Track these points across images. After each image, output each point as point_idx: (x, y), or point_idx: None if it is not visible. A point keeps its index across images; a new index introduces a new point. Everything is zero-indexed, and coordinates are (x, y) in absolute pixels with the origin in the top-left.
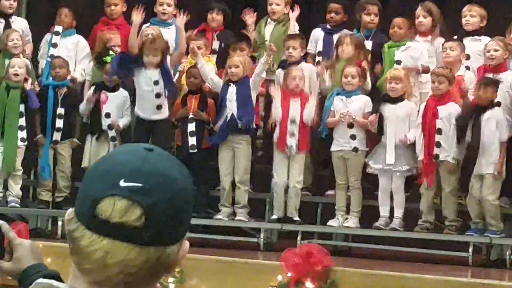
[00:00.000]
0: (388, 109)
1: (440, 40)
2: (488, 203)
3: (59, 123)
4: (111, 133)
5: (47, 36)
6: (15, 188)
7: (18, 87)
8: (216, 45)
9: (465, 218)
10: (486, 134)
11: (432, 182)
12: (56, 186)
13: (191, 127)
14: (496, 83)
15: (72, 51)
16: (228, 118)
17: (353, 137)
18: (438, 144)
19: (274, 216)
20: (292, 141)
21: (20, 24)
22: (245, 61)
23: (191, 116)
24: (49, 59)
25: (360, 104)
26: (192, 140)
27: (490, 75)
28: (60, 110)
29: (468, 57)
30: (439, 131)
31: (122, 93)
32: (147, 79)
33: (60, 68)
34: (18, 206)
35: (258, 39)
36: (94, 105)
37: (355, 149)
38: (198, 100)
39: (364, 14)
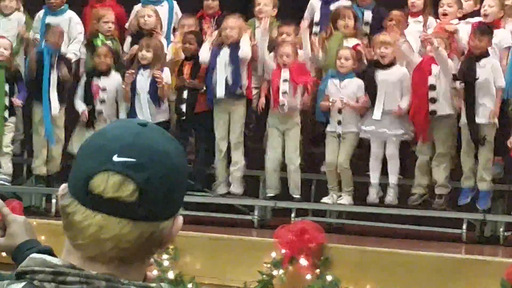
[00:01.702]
0: (380, 75)
1: (431, 19)
2: (484, 154)
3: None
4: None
5: (40, 14)
6: (5, 166)
7: (2, 67)
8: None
9: (454, 187)
10: (481, 82)
11: (427, 138)
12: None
13: (185, 94)
14: (490, 31)
15: (65, 28)
16: (222, 82)
17: (339, 122)
18: (433, 100)
19: (270, 194)
20: (284, 99)
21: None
22: (240, 25)
23: (186, 84)
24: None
25: (353, 88)
26: (183, 107)
27: None
28: (54, 76)
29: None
30: (433, 87)
31: (115, 76)
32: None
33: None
34: (8, 184)
35: None
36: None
37: (339, 135)
38: (191, 66)
39: None
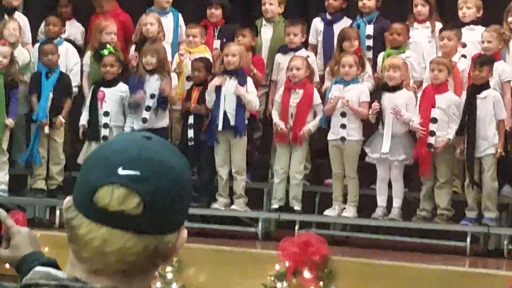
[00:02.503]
0: (386, 98)
1: (439, 24)
2: (488, 185)
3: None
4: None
5: (37, 46)
6: (1, 174)
7: (1, 73)
8: (216, 44)
9: (458, 209)
10: (483, 114)
11: (428, 172)
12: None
13: (191, 119)
14: (491, 62)
15: (62, 57)
16: (221, 116)
17: (343, 126)
18: (432, 133)
19: (275, 206)
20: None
21: (21, 21)
22: (242, 51)
23: (192, 109)
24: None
25: (356, 92)
26: (190, 133)
27: None
28: (52, 95)
29: (464, 45)
30: (434, 120)
31: (121, 87)
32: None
33: (52, 55)
34: (5, 195)
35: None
36: (92, 103)
37: (342, 139)
38: (200, 92)
39: None
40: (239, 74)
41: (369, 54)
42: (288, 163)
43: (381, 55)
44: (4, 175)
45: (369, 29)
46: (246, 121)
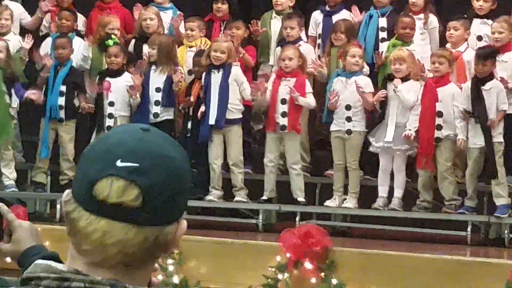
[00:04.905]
0: (391, 88)
1: (432, 17)
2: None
3: (61, 100)
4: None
5: (49, 40)
6: (8, 171)
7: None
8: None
9: (463, 196)
10: (488, 104)
11: (430, 166)
12: (58, 169)
13: (191, 111)
14: (493, 54)
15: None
16: (214, 109)
17: (348, 119)
18: (439, 127)
19: (264, 197)
20: (282, 121)
21: (14, 9)
22: (231, 48)
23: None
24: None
25: (360, 84)
26: (189, 124)
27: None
28: (62, 88)
29: (480, 38)
30: (440, 114)
31: (127, 77)
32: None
33: (63, 49)
34: (15, 190)
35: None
36: (97, 95)
37: (349, 131)
38: (200, 84)
39: None
40: (225, 69)
41: (383, 47)
42: (278, 154)
43: (385, 44)
44: (11, 172)
45: (382, 22)
46: (241, 115)
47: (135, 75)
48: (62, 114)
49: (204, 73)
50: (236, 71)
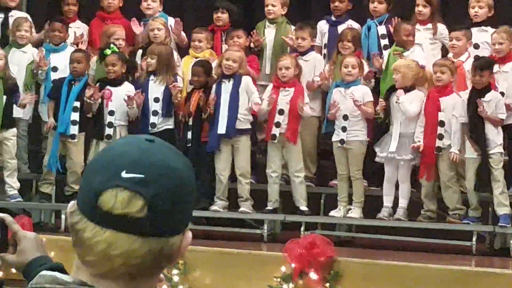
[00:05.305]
0: (395, 98)
1: (441, 26)
2: (496, 181)
3: (75, 116)
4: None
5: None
6: (12, 180)
7: None
8: (225, 48)
9: (467, 205)
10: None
11: (431, 176)
12: (63, 179)
13: (190, 121)
14: (489, 65)
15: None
16: (224, 119)
17: (343, 129)
18: (441, 137)
19: (268, 207)
20: (277, 131)
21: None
22: (243, 58)
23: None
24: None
25: (359, 94)
26: (189, 134)
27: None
28: (76, 104)
29: (476, 46)
30: (442, 124)
31: (127, 87)
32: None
33: (78, 63)
34: (20, 199)
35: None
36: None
37: (341, 141)
38: (199, 94)
39: (370, 1)
40: (236, 78)
41: (387, 54)
42: (280, 164)
43: (386, 52)
44: (15, 182)
45: (382, 29)
46: (250, 125)
47: (137, 93)
48: (74, 130)
49: (215, 84)
50: (247, 80)
